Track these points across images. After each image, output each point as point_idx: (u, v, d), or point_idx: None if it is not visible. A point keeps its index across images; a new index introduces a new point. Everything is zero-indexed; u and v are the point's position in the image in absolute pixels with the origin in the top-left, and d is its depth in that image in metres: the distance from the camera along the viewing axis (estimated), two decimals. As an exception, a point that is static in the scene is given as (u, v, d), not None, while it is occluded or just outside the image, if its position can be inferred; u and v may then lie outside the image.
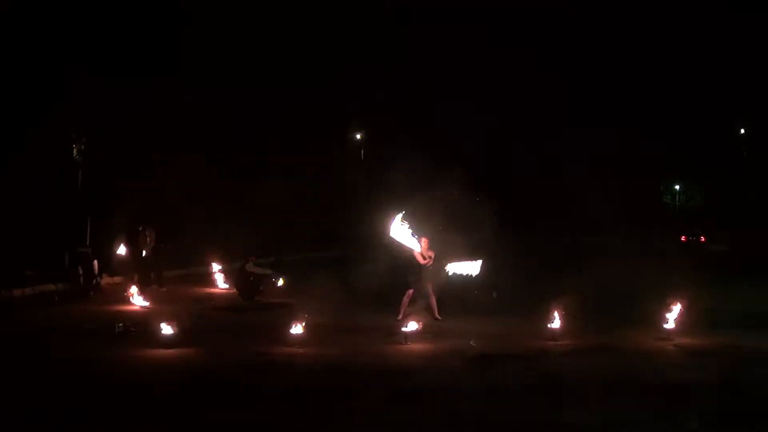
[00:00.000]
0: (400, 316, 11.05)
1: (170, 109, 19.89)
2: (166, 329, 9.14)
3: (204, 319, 11.56)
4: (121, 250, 14.50)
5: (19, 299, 13.09)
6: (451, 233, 13.91)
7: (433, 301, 11.51)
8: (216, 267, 15.70)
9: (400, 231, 11.09)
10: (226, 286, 15.61)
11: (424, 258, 11.20)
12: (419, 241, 11.27)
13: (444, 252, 11.71)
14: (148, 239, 14.33)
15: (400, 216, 11.11)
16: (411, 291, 11.37)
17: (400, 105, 30.69)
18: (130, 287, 13.15)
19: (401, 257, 11.64)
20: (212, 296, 14.29)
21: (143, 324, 10.52)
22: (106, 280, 14.65)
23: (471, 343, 9.84)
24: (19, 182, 15.74)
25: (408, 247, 11.18)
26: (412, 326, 9.81)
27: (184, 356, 8.69)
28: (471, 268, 11.46)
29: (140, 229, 14.29)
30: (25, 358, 8.55)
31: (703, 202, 48.60)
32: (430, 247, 11.37)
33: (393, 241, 11.25)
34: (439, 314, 11.49)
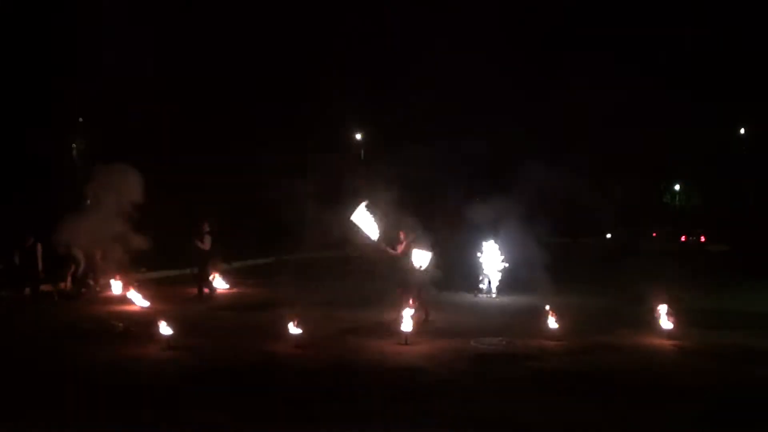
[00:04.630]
0: (400, 315, 11.00)
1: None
2: (166, 329, 9.15)
3: (203, 319, 11.57)
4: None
5: (20, 299, 13.11)
6: (446, 233, 13.99)
7: (423, 301, 11.58)
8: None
9: (363, 218, 11.25)
10: (227, 286, 15.65)
11: (394, 249, 11.61)
12: (400, 235, 11.64)
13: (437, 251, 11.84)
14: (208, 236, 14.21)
15: (363, 205, 11.28)
16: (401, 290, 11.41)
17: (400, 105, 30.71)
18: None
19: (393, 259, 11.73)
20: (211, 296, 14.29)
21: (143, 324, 10.54)
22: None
23: (471, 342, 9.84)
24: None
25: (367, 234, 11.32)
26: (411, 326, 9.82)
27: (184, 356, 8.69)
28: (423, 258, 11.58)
29: (205, 227, 14.17)
30: (25, 358, 8.58)
31: (703, 202, 48.59)
32: (407, 241, 11.59)
33: (354, 226, 11.35)
34: (428, 316, 11.52)
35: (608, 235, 36.75)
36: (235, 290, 15.58)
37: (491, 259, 14.99)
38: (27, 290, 13.49)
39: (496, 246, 14.97)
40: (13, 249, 13.46)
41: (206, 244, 13.89)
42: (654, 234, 33.33)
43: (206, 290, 14.23)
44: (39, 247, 13.50)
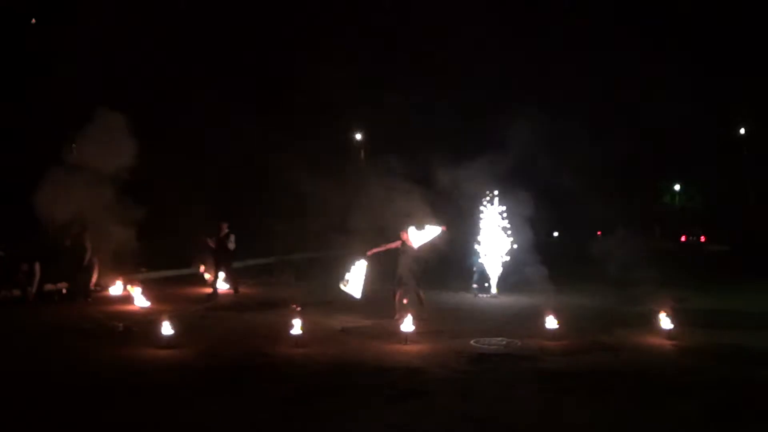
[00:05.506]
0: (397, 315, 11.08)
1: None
2: (166, 329, 9.15)
3: (203, 319, 11.58)
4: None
5: (20, 299, 13.11)
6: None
7: (422, 299, 11.63)
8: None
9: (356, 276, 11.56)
10: (226, 286, 15.64)
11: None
12: (401, 235, 11.75)
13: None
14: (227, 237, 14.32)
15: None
16: (400, 289, 11.45)
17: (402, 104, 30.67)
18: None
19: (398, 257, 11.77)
20: (211, 296, 14.29)
21: (143, 324, 10.54)
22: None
23: (471, 342, 9.85)
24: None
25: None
26: (411, 326, 9.82)
27: (184, 356, 8.69)
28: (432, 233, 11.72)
29: (224, 228, 14.26)
30: (25, 358, 8.58)
31: (703, 202, 48.64)
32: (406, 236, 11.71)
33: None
34: (425, 314, 11.54)
35: (555, 234, 36.63)
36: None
37: (490, 252, 14.87)
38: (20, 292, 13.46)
39: (503, 235, 14.87)
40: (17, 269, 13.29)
41: (232, 243, 14.16)
42: (599, 233, 32.10)
43: (210, 290, 14.25)
44: (37, 268, 13.36)
